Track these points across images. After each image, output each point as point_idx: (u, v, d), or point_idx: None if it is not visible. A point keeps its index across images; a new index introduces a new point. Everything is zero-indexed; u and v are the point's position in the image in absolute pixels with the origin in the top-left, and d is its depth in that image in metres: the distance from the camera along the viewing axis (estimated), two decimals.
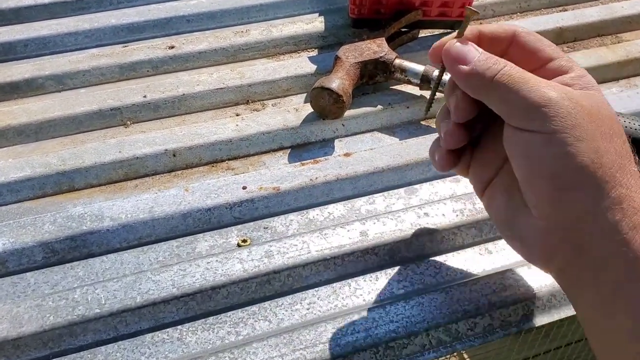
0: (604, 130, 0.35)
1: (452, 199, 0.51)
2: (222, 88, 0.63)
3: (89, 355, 0.41)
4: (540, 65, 0.39)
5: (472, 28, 0.40)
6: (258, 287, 0.45)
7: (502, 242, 0.49)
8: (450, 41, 0.39)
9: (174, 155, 0.56)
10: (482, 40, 0.40)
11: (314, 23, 0.72)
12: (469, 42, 0.38)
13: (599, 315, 0.35)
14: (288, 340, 0.40)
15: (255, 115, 0.60)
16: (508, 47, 0.40)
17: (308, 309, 0.43)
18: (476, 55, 0.37)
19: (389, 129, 0.61)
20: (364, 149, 0.56)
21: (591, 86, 0.37)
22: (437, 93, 0.46)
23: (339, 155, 0.56)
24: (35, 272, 0.46)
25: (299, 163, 0.55)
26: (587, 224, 0.34)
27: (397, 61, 0.60)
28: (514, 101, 0.36)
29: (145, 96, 0.62)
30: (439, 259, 0.47)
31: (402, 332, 0.41)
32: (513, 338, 0.42)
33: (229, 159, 0.58)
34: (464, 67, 0.37)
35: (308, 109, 0.60)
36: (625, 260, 0.33)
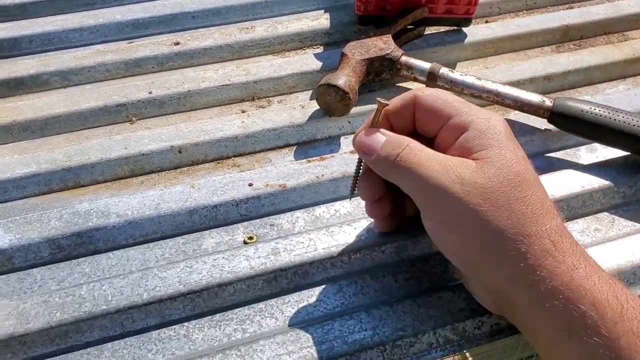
0: (505, 196, 0.35)
1: None
2: (227, 85, 0.63)
3: (95, 352, 0.41)
4: (442, 124, 0.40)
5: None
6: (265, 284, 0.45)
7: None
8: (360, 133, 0.41)
9: (180, 152, 0.56)
10: (392, 116, 0.42)
11: (320, 20, 0.72)
12: (378, 130, 0.41)
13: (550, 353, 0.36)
14: (295, 337, 0.40)
15: (261, 112, 0.60)
16: (414, 112, 0.41)
17: (315, 307, 0.43)
18: (381, 142, 0.40)
19: None
20: None
21: (492, 143, 0.37)
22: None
23: (345, 153, 0.55)
24: (42, 268, 0.46)
25: (305, 160, 0.55)
26: (509, 292, 0.36)
27: (404, 58, 0.60)
28: (411, 186, 0.38)
29: (150, 92, 0.62)
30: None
31: (409, 331, 0.41)
32: (518, 336, 0.42)
33: (234, 156, 0.58)
34: (371, 155, 0.40)
35: (314, 106, 0.60)
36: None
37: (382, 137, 0.40)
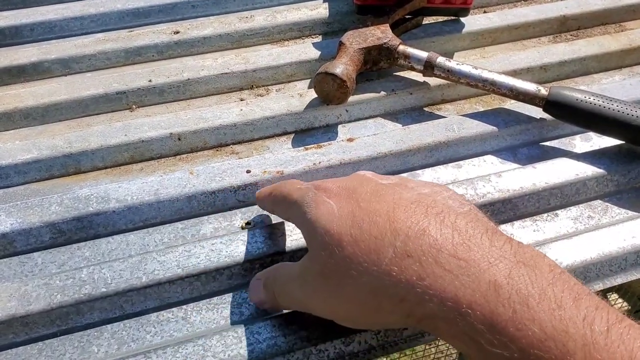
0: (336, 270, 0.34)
1: (453, 184, 0.51)
2: (226, 73, 0.64)
3: (95, 333, 0.42)
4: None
5: None
6: (262, 268, 0.45)
7: (502, 227, 0.50)
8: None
9: (179, 139, 0.57)
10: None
11: (319, 9, 0.73)
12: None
13: None
14: (291, 320, 0.41)
15: (260, 100, 0.60)
16: None
17: None
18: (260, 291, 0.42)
19: (392, 115, 0.62)
20: (367, 135, 0.57)
21: (311, 241, 0.37)
22: None
23: (342, 141, 0.56)
24: (43, 252, 0.47)
25: (302, 148, 0.55)
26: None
27: (401, 47, 0.61)
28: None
29: (150, 80, 0.62)
30: None
31: None
32: None
33: (233, 143, 0.58)
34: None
35: (312, 94, 0.60)
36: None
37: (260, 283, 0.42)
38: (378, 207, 0.35)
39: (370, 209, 0.35)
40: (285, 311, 0.43)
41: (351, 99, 0.60)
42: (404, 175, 0.54)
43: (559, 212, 0.51)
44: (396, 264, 0.32)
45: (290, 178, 0.52)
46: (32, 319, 0.42)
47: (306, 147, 0.55)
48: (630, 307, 1.37)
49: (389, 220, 0.33)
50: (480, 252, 0.31)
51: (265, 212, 0.50)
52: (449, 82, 0.61)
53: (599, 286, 0.46)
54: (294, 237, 0.47)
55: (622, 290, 1.35)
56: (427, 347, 1.14)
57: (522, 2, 0.78)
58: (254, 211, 0.51)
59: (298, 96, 0.61)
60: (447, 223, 0.33)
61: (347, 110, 0.60)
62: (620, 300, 1.38)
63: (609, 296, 1.35)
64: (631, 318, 0.29)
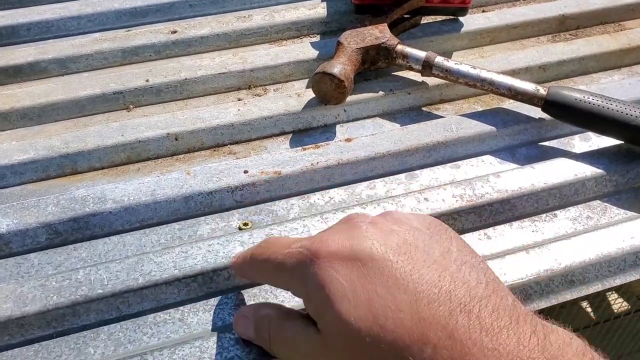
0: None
1: (452, 185, 0.51)
2: (224, 73, 0.63)
3: (91, 335, 0.42)
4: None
5: None
6: None
7: (500, 228, 0.50)
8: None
9: (176, 139, 0.56)
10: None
11: (317, 9, 0.72)
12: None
13: None
14: None
15: (257, 100, 0.60)
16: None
17: None
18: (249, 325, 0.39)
19: (390, 115, 0.62)
20: (365, 135, 0.57)
21: (319, 310, 0.33)
22: None
23: (340, 141, 0.56)
24: (39, 253, 0.47)
25: (300, 148, 0.55)
26: None
27: (399, 47, 0.60)
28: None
29: (147, 80, 0.62)
30: None
31: None
32: None
33: (230, 144, 0.58)
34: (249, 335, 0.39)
35: (310, 94, 0.60)
36: None
37: (249, 322, 0.39)
38: (399, 297, 0.31)
39: (391, 299, 0.31)
40: None
41: (349, 98, 0.60)
42: (402, 175, 0.54)
43: (557, 212, 0.51)
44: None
45: (288, 179, 0.52)
46: (28, 321, 0.41)
47: (304, 147, 0.55)
48: (630, 307, 1.37)
49: (412, 319, 0.30)
50: (509, 358, 0.29)
51: (262, 218, 0.50)
52: (447, 81, 0.61)
53: (598, 287, 0.46)
54: (291, 237, 0.47)
55: (621, 290, 1.35)
56: None
57: (521, 1, 0.77)
58: (252, 212, 0.50)
59: (296, 96, 0.60)
60: (472, 317, 0.30)
61: (345, 110, 0.60)
62: (620, 300, 1.38)
63: (609, 296, 1.35)
64: None
